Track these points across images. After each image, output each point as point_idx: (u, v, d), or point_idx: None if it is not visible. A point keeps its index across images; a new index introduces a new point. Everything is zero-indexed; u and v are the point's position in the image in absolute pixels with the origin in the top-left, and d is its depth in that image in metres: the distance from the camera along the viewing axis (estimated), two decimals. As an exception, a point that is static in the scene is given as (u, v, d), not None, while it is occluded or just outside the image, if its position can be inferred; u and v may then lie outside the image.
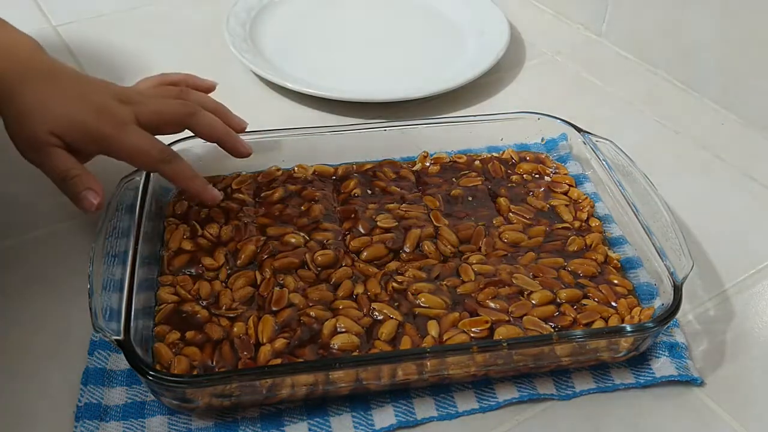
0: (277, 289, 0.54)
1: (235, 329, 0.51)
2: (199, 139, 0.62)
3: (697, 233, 0.63)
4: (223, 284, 0.55)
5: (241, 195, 0.62)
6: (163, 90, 0.63)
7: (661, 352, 0.52)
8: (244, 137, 0.63)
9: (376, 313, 0.52)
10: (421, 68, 0.83)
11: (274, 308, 0.52)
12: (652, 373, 0.51)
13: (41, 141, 0.53)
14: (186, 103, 0.60)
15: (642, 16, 0.84)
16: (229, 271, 0.56)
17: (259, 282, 0.54)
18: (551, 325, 0.52)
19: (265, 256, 0.56)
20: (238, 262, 0.56)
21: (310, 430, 0.48)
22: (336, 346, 0.50)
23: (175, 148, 0.61)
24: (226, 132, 0.61)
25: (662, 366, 0.52)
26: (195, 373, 0.48)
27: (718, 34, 0.75)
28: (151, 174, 0.58)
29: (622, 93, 0.81)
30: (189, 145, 0.62)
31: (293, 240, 0.58)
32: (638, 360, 0.52)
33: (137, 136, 0.55)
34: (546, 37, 0.90)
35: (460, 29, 0.89)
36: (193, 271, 0.56)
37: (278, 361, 0.49)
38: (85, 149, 0.56)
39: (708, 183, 0.69)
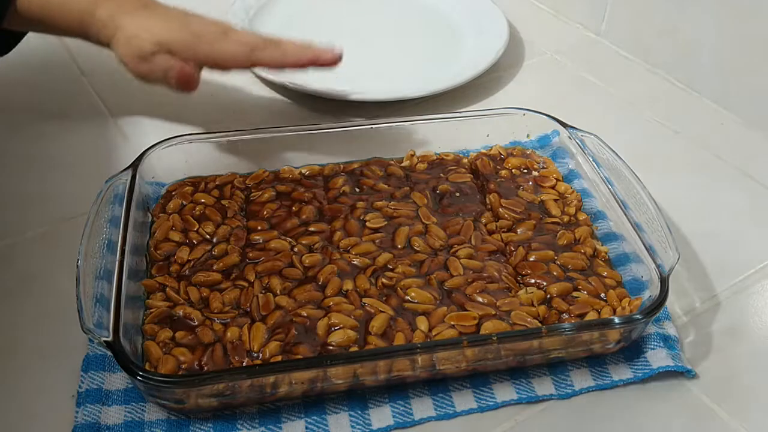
0: (261, 294, 0.53)
1: (229, 334, 0.50)
2: (187, 139, 0.63)
3: (696, 233, 0.63)
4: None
5: (229, 200, 0.62)
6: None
7: (656, 343, 0.53)
8: (241, 137, 0.63)
9: (368, 308, 0.52)
10: (420, 68, 0.83)
11: (263, 313, 0.52)
12: (649, 365, 0.51)
13: (148, 51, 0.61)
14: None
15: (642, 15, 0.83)
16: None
17: (246, 286, 0.54)
18: (542, 318, 0.52)
19: (248, 262, 0.56)
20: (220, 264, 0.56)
21: (307, 428, 0.48)
22: (334, 343, 0.50)
23: (168, 145, 0.61)
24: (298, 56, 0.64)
25: (658, 357, 0.52)
26: (181, 373, 0.48)
27: (718, 34, 0.75)
28: (137, 174, 0.58)
29: (622, 93, 0.81)
30: (178, 144, 0.62)
31: (278, 245, 0.57)
32: (634, 353, 0.52)
33: (227, 43, 0.62)
34: (545, 37, 0.90)
35: (459, 28, 0.89)
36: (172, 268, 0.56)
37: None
38: (184, 57, 0.62)
39: (707, 183, 0.69)
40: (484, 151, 0.68)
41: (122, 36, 0.62)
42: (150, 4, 0.64)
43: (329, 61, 0.64)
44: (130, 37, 0.61)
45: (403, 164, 0.67)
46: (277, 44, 0.64)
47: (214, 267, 0.55)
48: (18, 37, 0.69)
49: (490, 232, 0.60)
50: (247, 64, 0.64)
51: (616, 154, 0.60)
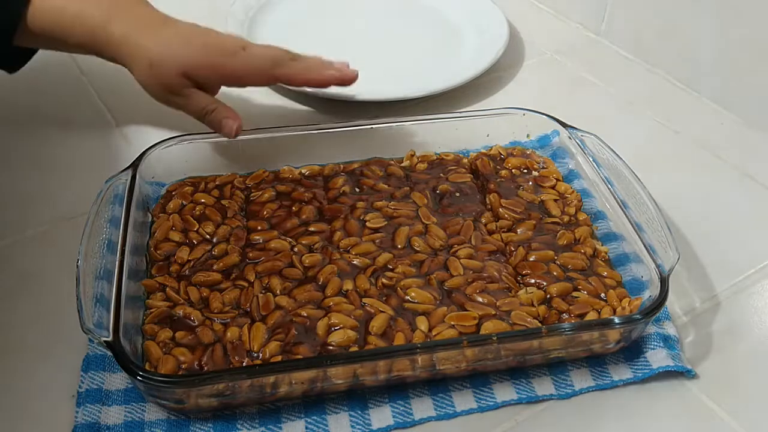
0: (261, 294, 0.53)
1: (229, 334, 0.50)
2: (187, 139, 0.63)
3: (696, 233, 0.63)
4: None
5: (229, 200, 0.62)
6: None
7: (656, 343, 0.53)
8: (241, 137, 0.63)
9: (368, 308, 0.52)
10: (421, 68, 0.83)
11: (263, 313, 0.52)
12: (649, 365, 0.52)
13: (177, 85, 0.61)
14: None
15: (641, 15, 0.83)
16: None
17: (246, 286, 0.54)
18: (542, 318, 0.52)
19: (248, 262, 0.56)
20: (221, 264, 0.56)
21: (307, 428, 0.48)
22: (334, 343, 0.50)
23: (168, 145, 0.62)
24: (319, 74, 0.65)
25: (658, 358, 0.52)
26: (181, 373, 0.48)
27: (718, 34, 0.75)
28: (137, 174, 0.58)
29: (622, 93, 0.81)
30: (178, 144, 0.62)
31: (278, 245, 0.57)
32: (634, 353, 0.52)
33: (247, 59, 0.62)
34: (545, 37, 0.90)
35: (460, 28, 0.89)
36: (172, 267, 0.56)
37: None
38: (209, 83, 0.63)
39: (707, 183, 0.69)
40: (484, 151, 0.68)
41: (141, 62, 0.61)
42: (165, 21, 0.63)
43: (351, 80, 0.64)
44: (153, 66, 0.60)
45: (403, 164, 0.67)
46: (297, 60, 0.63)
47: (214, 267, 0.55)
48: (27, 56, 0.68)
49: (490, 232, 0.60)
50: (268, 80, 0.64)
51: (616, 154, 0.60)
